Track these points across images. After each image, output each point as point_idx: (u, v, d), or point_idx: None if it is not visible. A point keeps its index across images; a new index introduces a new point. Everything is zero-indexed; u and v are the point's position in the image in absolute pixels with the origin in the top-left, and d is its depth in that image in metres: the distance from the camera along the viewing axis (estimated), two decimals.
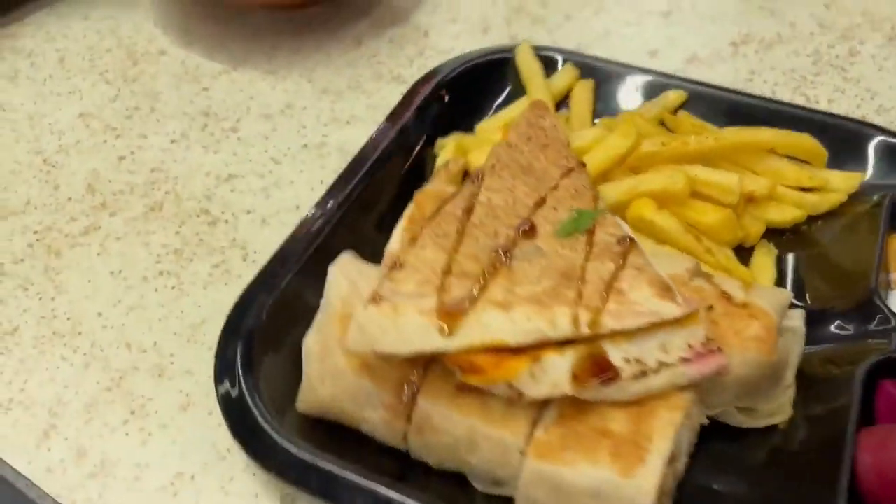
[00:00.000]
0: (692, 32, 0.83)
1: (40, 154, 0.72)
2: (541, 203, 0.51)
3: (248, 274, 0.61)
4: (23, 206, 0.67)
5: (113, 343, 0.57)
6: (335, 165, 0.70)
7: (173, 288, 0.61)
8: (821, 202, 0.61)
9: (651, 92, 0.69)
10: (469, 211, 0.50)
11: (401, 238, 0.51)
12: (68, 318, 0.59)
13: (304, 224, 0.57)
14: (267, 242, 0.64)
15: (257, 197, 0.68)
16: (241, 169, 0.70)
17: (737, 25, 0.83)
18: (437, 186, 0.56)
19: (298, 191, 0.68)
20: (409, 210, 0.53)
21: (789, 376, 0.48)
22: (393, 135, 0.64)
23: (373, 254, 0.55)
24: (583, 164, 0.56)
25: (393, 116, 0.66)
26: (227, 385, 0.48)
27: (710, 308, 0.45)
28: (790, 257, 0.60)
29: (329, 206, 0.58)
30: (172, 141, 0.73)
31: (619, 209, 0.56)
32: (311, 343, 0.47)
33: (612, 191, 0.57)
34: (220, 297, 0.60)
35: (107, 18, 0.88)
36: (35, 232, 0.65)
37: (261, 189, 0.68)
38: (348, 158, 0.69)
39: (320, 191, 0.67)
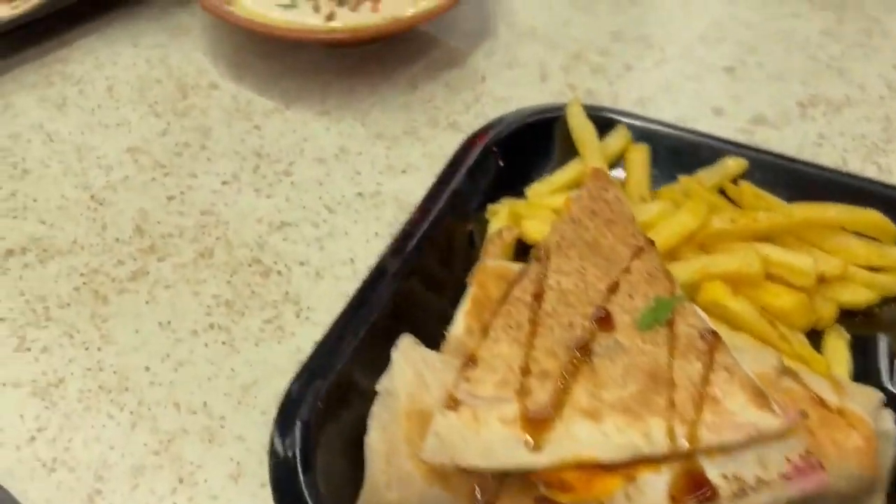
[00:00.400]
0: (757, 90, 0.80)
1: (88, 189, 0.71)
2: (614, 288, 0.49)
3: (301, 332, 0.59)
4: (69, 246, 0.66)
5: (161, 402, 0.55)
6: (390, 217, 0.68)
7: (224, 343, 0.59)
8: (894, 283, 0.59)
9: (709, 157, 0.66)
10: (539, 296, 0.48)
11: (465, 323, 0.49)
12: (115, 372, 0.57)
13: (357, 298, 0.54)
14: (321, 298, 0.62)
15: (311, 248, 0.65)
16: (293, 216, 0.68)
17: (804, 85, 0.81)
18: (497, 263, 0.53)
19: (353, 243, 0.66)
20: (472, 291, 0.51)
21: (882, 482, 0.45)
22: (444, 200, 0.62)
23: (430, 329, 0.53)
24: (652, 244, 0.53)
25: (444, 178, 0.64)
26: (283, 482, 0.45)
27: (805, 415, 0.43)
28: (864, 342, 0.57)
29: (382, 278, 0.56)
30: (223, 182, 0.71)
31: (689, 291, 0.54)
32: (376, 442, 0.45)
33: (682, 271, 0.55)
34: (273, 356, 0.58)
35: (156, 46, 0.87)
36: (82, 274, 0.63)
37: (314, 239, 0.66)
38: (403, 210, 0.67)
39: (375, 244, 0.65)
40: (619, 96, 0.80)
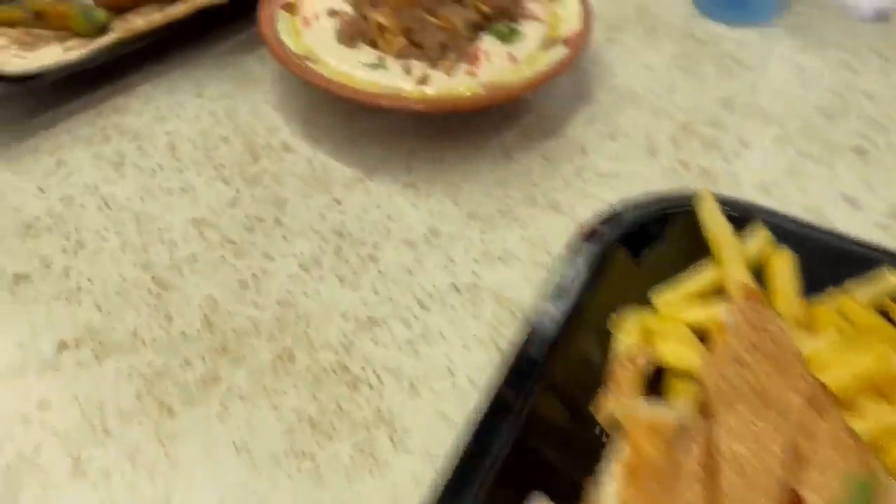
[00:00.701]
0: (891, 177, 0.72)
1: (149, 269, 0.63)
2: (796, 457, 0.41)
3: (398, 463, 0.51)
4: (130, 340, 0.58)
5: None
6: (489, 316, 0.60)
7: (309, 475, 0.50)
8: None
9: (859, 265, 0.57)
10: (710, 468, 0.40)
11: (620, 497, 0.41)
12: None
13: (473, 441, 0.46)
14: (417, 419, 0.54)
15: (403, 352, 0.57)
16: (382, 311, 0.60)
17: None
18: (648, 413, 0.45)
19: (450, 349, 0.58)
20: (625, 454, 0.43)
21: None
22: (561, 311, 0.53)
23: (560, 479, 0.45)
24: (830, 393, 0.45)
25: (560, 283, 0.55)
26: None
27: None
28: None
29: (499, 414, 0.47)
30: (302, 266, 0.63)
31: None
32: None
33: (858, 426, 0.46)
34: (366, 491, 0.50)
35: (222, 97, 0.79)
36: (143, 376, 0.55)
37: (406, 342, 0.58)
38: (504, 308, 0.59)
39: (476, 351, 0.57)
40: (739, 178, 0.71)
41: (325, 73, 0.69)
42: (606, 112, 0.78)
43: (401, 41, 0.70)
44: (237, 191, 0.69)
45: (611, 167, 0.72)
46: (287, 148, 0.73)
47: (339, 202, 0.68)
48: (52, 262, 0.63)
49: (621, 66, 0.84)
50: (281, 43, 0.71)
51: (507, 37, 0.73)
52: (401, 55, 0.70)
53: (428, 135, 0.74)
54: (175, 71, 0.82)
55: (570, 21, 0.76)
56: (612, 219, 0.60)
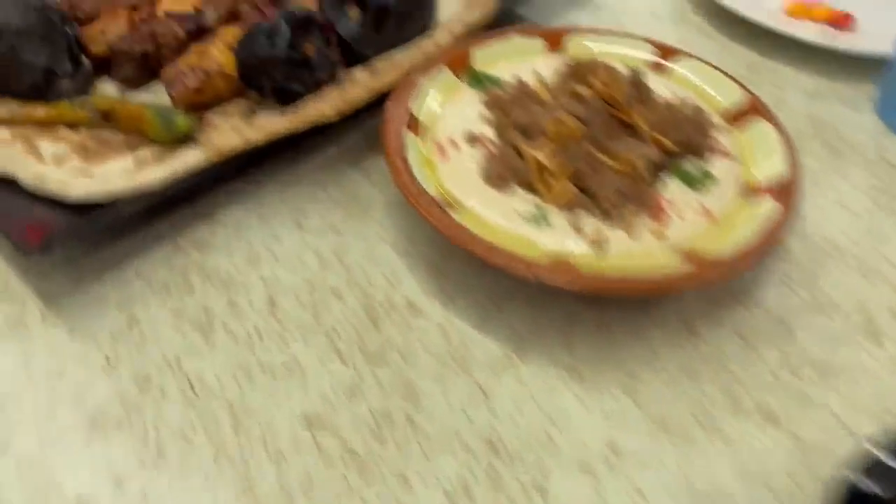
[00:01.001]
0: None
1: (251, 494, 0.48)
2: None
3: None
4: None
5: None
6: None
7: None
8: None
9: None
10: None
11: None
12: None
13: None
14: None
15: None
16: None
17: None
18: None
19: None
20: None
21: None
22: None
23: None
24: None
25: None
26: None
27: None
28: None
29: None
30: (448, 497, 0.48)
31: None
32: None
33: None
34: None
35: (328, 230, 0.64)
36: None
37: None
38: None
39: None
40: None
41: (471, 227, 0.54)
42: (804, 269, 0.63)
43: (569, 189, 0.55)
44: (356, 372, 0.54)
45: (826, 355, 0.57)
46: (413, 309, 0.58)
47: (485, 393, 0.53)
48: (125, 481, 0.48)
49: (810, 202, 0.68)
50: (415, 181, 0.56)
51: (698, 182, 0.58)
52: (568, 206, 0.55)
53: (584, 301, 0.59)
54: (267, 190, 0.67)
55: (766, 157, 0.61)
56: (864, 472, 0.45)
